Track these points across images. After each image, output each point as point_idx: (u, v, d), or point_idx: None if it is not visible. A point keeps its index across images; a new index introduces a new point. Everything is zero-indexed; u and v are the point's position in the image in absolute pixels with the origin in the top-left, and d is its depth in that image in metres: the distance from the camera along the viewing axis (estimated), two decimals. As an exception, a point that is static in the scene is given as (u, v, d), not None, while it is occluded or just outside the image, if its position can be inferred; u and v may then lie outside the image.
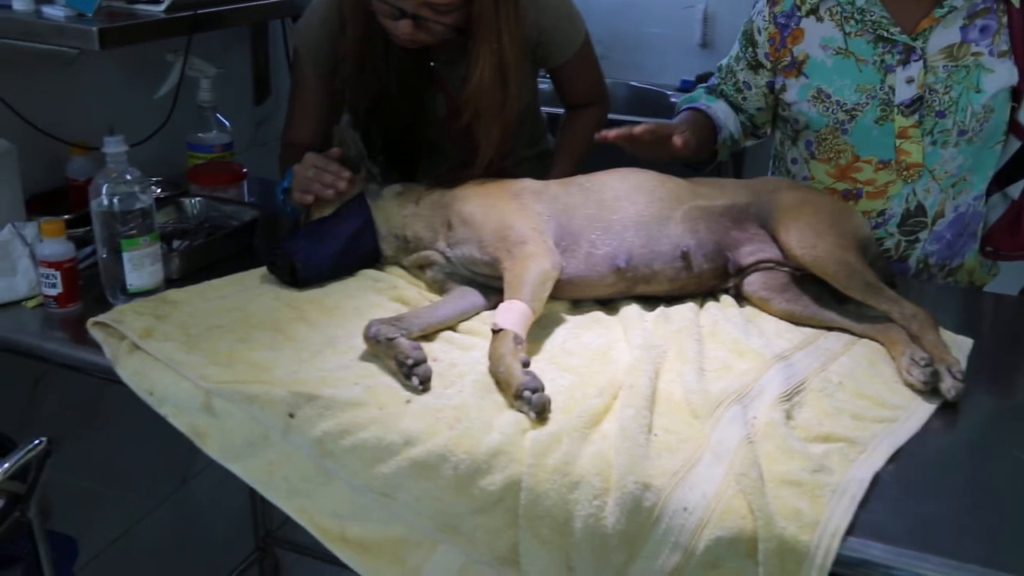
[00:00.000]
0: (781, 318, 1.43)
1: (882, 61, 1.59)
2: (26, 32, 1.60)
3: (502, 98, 1.55)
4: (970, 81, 1.56)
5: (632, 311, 1.40)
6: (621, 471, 1.01)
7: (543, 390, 1.12)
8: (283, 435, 1.12)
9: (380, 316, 1.28)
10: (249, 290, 1.42)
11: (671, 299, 1.46)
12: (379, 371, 1.21)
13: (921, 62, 1.56)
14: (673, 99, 2.90)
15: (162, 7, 1.69)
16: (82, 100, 1.83)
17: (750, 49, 1.73)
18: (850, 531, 0.97)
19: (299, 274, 1.42)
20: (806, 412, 1.17)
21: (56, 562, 1.37)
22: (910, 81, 1.57)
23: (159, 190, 1.86)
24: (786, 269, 1.46)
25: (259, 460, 1.14)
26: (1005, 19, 1.55)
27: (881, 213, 1.66)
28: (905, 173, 1.62)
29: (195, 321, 1.30)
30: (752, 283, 1.47)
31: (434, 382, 1.18)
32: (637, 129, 1.53)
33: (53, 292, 1.39)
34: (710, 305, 1.46)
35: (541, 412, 1.10)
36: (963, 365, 1.26)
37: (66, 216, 1.52)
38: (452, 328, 1.36)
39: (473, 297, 1.41)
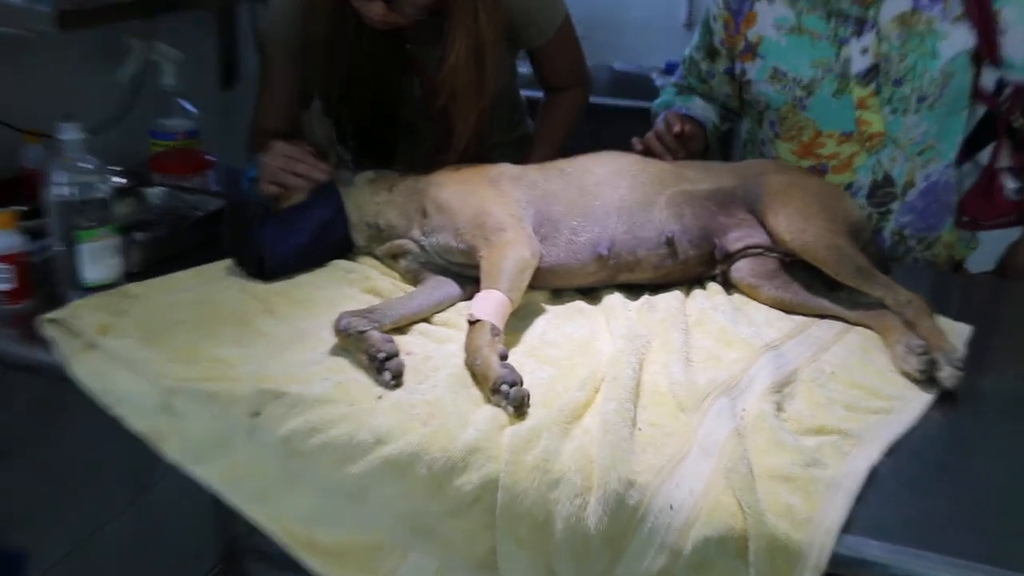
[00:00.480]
0: (771, 306, 1.42)
1: (836, 34, 1.62)
2: (-21, 14, 1.56)
3: (479, 80, 1.54)
4: (925, 47, 1.58)
5: (615, 300, 1.39)
6: (604, 468, 0.99)
7: (522, 384, 1.10)
8: (248, 435, 1.10)
9: (351, 308, 1.26)
10: (214, 283, 1.40)
11: (656, 287, 1.45)
12: (350, 366, 1.19)
13: (874, 31, 1.59)
14: (658, 82, 2.90)
15: (124, -12, 1.67)
16: (40, 85, 1.80)
17: (707, 37, 1.78)
18: (846, 528, 0.95)
19: (267, 265, 1.41)
20: (797, 403, 1.15)
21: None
22: (864, 51, 1.60)
23: (121, 179, 1.82)
24: (775, 255, 1.45)
25: (222, 462, 1.11)
26: None
27: (849, 186, 1.68)
28: (868, 143, 1.64)
29: (156, 316, 1.28)
30: (740, 270, 1.46)
31: (407, 376, 1.16)
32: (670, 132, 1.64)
33: (5, 287, 1.35)
34: (696, 293, 1.44)
35: (519, 407, 1.08)
36: (962, 352, 1.25)
37: (24, 207, 1.48)
38: (427, 320, 1.34)
39: (449, 287, 1.39)
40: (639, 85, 2.94)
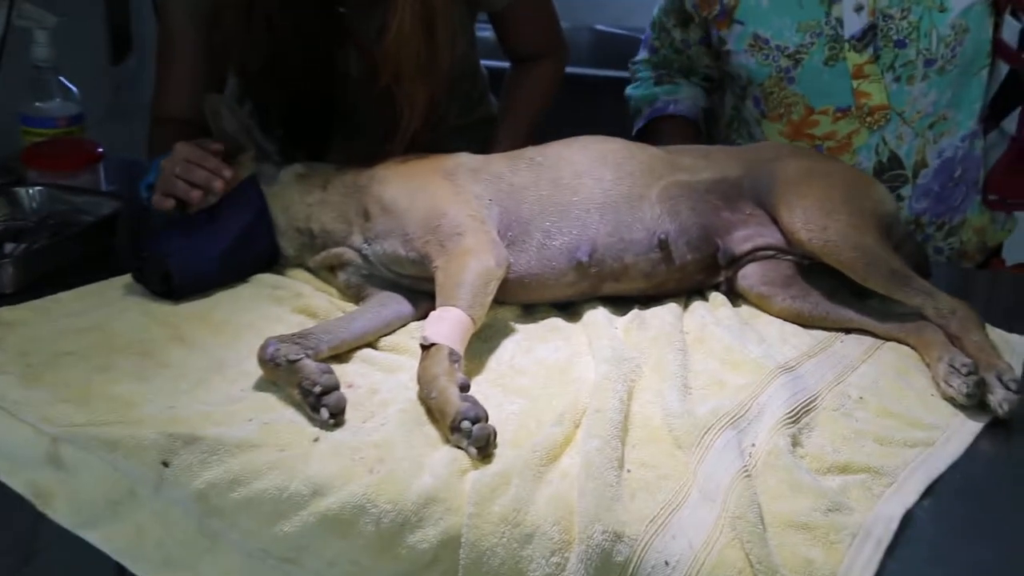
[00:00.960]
0: (785, 319, 1.46)
1: None
2: None
3: (428, 52, 1.55)
4: (930, 0, 1.60)
5: (598, 316, 1.41)
6: (586, 519, 1.01)
7: (487, 419, 1.12)
8: (155, 490, 1.10)
9: (279, 332, 1.28)
10: (109, 305, 1.41)
11: (648, 299, 1.48)
12: (279, 403, 1.20)
13: None
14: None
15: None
16: None
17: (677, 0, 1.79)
18: (875, 586, 0.98)
19: (174, 282, 1.42)
20: (818, 436, 1.18)
21: None
22: (859, 9, 1.63)
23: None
24: (790, 258, 1.49)
25: (124, 524, 1.12)
26: None
27: None
28: (869, 119, 1.68)
29: (37, 347, 1.28)
30: (748, 276, 1.49)
31: (349, 414, 1.17)
32: None
33: None
34: (696, 305, 1.47)
35: (484, 447, 1.10)
36: (1018, 372, 1.28)
37: None
38: (372, 345, 1.36)
39: (398, 305, 1.42)
40: (626, 50, 2.95)
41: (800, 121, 1.72)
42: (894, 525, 1.04)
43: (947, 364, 1.29)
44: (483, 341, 1.35)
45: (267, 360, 1.22)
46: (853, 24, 1.63)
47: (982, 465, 1.17)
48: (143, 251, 1.43)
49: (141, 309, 1.39)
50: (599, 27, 3.07)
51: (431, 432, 1.16)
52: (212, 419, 1.15)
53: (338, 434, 1.15)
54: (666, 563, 0.99)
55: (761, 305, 1.48)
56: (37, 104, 1.98)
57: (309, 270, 1.53)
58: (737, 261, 1.50)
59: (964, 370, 1.26)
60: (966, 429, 1.22)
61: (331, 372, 1.19)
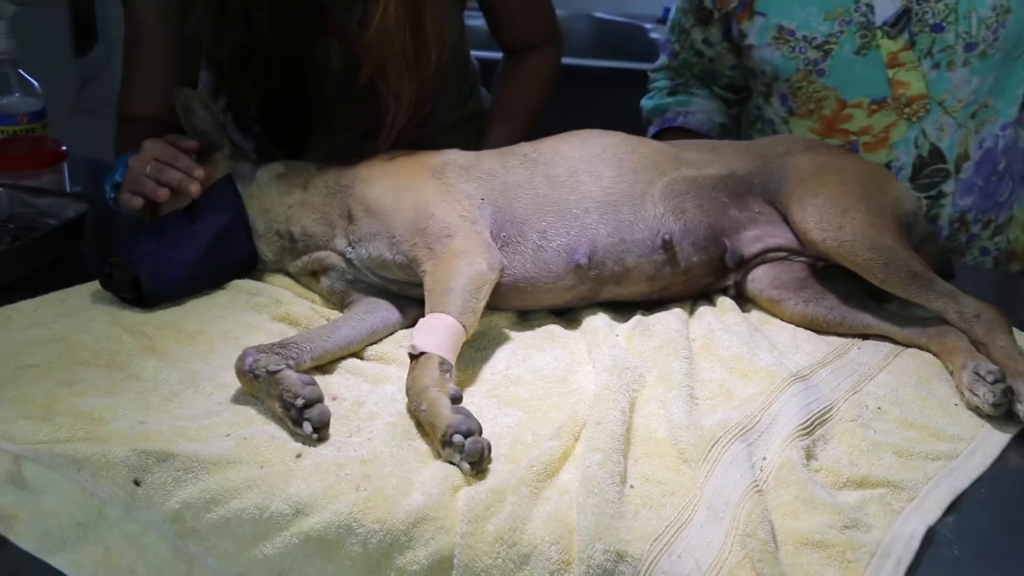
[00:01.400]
0: (798, 324, 1.47)
1: None
2: None
3: (415, 44, 1.55)
4: None
5: (599, 323, 1.42)
6: (586, 537, 1.01)
7: (480, 433, 1.13)
8: (126, 510, 1.11)
9: (258, 342, 1.29)
10: (75, 314, 1.41)
11: (651, 305, 1.49)
12: (259, 417, 1.21)
13: None
14: (653, 35, 2.93)
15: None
16: None
17: None
18: (895, 607, 0.99)
19: (145, 289, 1.42)
20: (834, 449, 1.19)
21: None
22: None
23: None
24: (803, 259, 1.50)
25: (93, 548, 1.12)
26: None
27: (887, 167, 1.70)
28: (907, 110, 1.68)
29: (-2, 359, 1.29)
30: (758, 280, 1.50)
31: (334, 428, 1.18)
32: None
33: None
34: (703, 311, 1.48)
35: (478, 462, 1.11)
36: None
37: None
38: (357, 355, 1.37)
39: (384, 312, 1.43)
40: (629, 40, 2.96)
41: (832, 116, 1.72)
42: (915, 544, 1.04)
43: (972, 371, 1.29)
44: (476, 350, 1.36)
45: (245, 371, 1.22)
46: (885, 9, 1.63)
47: (1010, 479, 1.17)
48: (111, 256, 1.43)
49: (109, 318, 1.40)
50: (598, 15, 3.07)
51: (421, 447, 1.16)
52: (186, 435, 1.15)
53: (322, 449, 1.15)
54: (672, 584, 1.00)
55: (772, 310, 1.49)
56: (-4, 100, 1.99)
57: (290, 275, 1.54)
58: (746, 263, 1.51)
59: (990, 378, 1.27)
60: (992, 441, 1.23)
61: (314, 384, 1.20)
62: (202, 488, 1.09)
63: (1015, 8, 1.63)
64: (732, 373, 1.32)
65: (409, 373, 1.23)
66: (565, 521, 1.04)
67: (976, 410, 1.27)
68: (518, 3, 1.83)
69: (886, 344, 1.42)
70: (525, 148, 1.56)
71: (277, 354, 1.24)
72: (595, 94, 2.48)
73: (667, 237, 1.46)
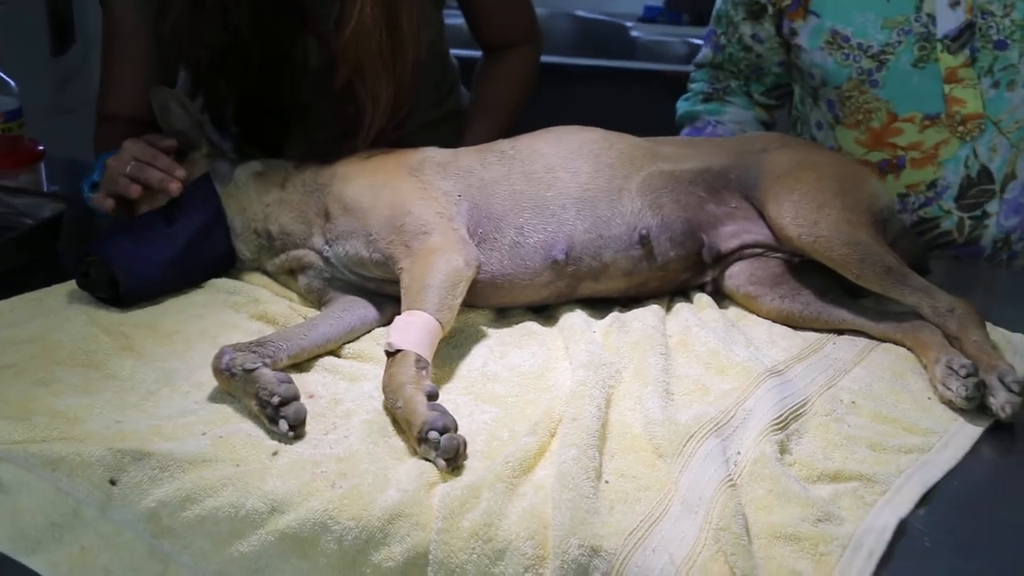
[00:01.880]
0: (774, 320, 1.47)
1: None
2: None
3: (391, 43, 1.56)
4: None
5: (576, 320, 1.43)
6: (561, 532, 1.02)
7: (456, 429, 1.13)
8: (101, 510, 1.11)
9: (235, 340, 1.29)
10: (51, 313, 1.41)
11: (628, 301, 1.50)
12: (235, 415, 1.21)
13: None
14: (634, 32, 2.94)
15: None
16: None
17: None
18: (867, 599, 0.99)
19: (122, 288, 1.42)
20: (808, 443, 1.20)
21: None
22: (955, 4, 1.58)
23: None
24: (779, 255, 1.51)
25: (68, 548, 1.12)
26: None
27: (932, 185, 1.67)
28: (961, 129, 1.64)
29: (-28, 360, 1.29)
30: (735, 275, 1.51)
31: (310, 426, 1.18)
32: None
33: None
34: (680, 307, 1.49)
35: (453, 459, 1.11)
36: (1021, 373, 1.29)
37: None
38: (334, 352, 1.37)
39: (362, 310, 1.43)
40: (610, 38, 2.96)
41: (881, 129, 1.68)
42: (887, 536, 1.05)
43: (945, 365, 1.30)
44: (453, 347, 1.37)
45: (222, 370, 1.23)
46: (948, 21, 1.59)
47: (982, 472, 1.18)
48: (88, 255, 1.43)
49: (86, 318, 1.40)
50: (579, 13, 3.07)
51: (397, 444, 1.17)
52: (162, 433, 1.15)
53: (298, 447, 1.15)
54: (646, 578, 1.00)
55: (749, 306, 1.50)
56: (-29, 99, 1.99)
57: (267, 274, 1.54)
58: (724, 259, 1.52)
59: (963, 372, 1.27)
60: (965, 434, 1.24)
61: (290, 382, 1.20)
62: (178, 487, 1.09)
63: None
64: (708, 369, 1.33)
65: (386, 371, 1.23)
66: (540, 516, 1.05)
67: (949, 404, 1.28)
68: (497, 1, 1.83)
69: (861, 339, 1.43)
70: (502, 145, 1.56)
71: (254, 352, 1.25)
72: (575, 92, 2.47)
73: (644, 232, 1.47)
